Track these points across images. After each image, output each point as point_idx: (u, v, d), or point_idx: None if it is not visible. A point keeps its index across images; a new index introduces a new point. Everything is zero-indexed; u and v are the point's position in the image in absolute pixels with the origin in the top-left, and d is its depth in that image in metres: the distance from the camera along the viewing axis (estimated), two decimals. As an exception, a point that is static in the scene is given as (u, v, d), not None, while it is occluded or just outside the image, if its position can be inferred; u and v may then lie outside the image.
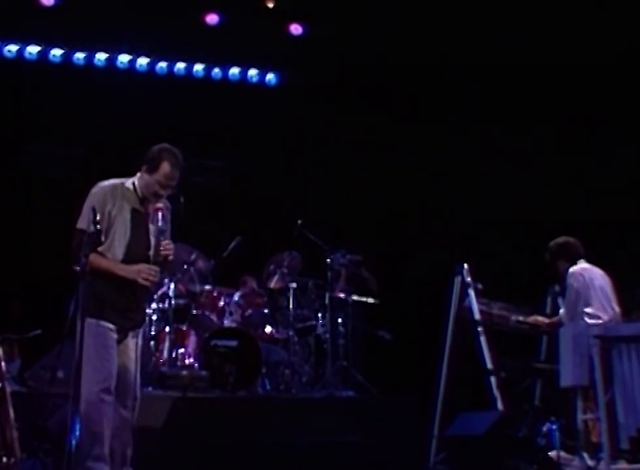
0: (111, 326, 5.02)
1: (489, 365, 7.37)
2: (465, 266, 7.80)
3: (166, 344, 7.79)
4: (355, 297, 8.73)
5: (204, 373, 7.54)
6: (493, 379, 7.32)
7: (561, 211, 9.19)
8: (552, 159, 9.79)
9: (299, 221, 8.51)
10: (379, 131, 10.06)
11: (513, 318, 7.68)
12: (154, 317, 7.84)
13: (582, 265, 7.04)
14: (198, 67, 10.38)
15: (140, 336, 5.28)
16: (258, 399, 7.73)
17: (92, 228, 4.71)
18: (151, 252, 5.13)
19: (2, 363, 5.06)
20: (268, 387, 8.08)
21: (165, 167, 5.08)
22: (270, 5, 9.80)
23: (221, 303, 8.39)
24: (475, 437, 6.53)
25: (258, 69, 10.60)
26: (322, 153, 9.93)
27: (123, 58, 10.06)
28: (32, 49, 9.77)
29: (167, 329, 7.81)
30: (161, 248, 5.09)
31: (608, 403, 5.92)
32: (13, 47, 9.72)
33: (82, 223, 4.99)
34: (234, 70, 10.53)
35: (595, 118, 9.36)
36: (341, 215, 9.80)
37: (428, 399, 7.73)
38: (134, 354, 5.17)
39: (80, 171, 9.13)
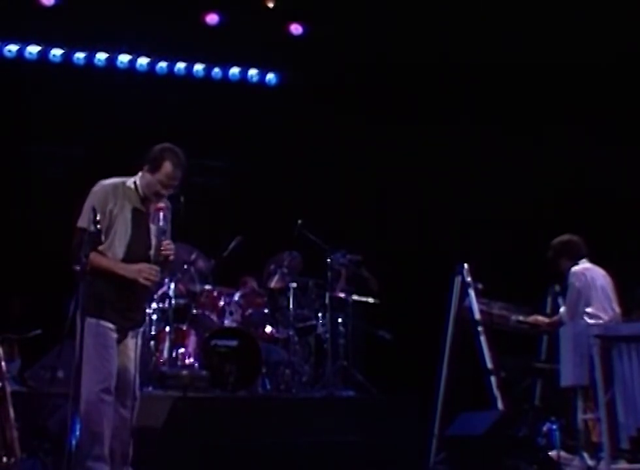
0: (111, 325, 5.02)
1: (489, 365, 7.37)
2: (466, 265, 7.80)
3: (167, 344, 7.79)
4: (355, 297, 8.73)
5: (204, 372, 7.54)
6: (493, 379, 7.32)
7: (561, 210, 9.19)
8: (552, 159, 9.79)
9: (299, 221, 8.51)
10: (379, 131, 10.06)
11: (513, 318, 7.68)
12: (154, 317, 7.84)
13: (584, 264, 7.05)
14: (198, 67, 10.38)
15: (140, 336, 5.28)
16: (258, 398, 7.73)
17: (92, 227, 4.71)
18: (152, 252, 5.13)
19: (3, 363, 5.06)
20: (268, 387, 8.08)
21: (167, 167, 5.08)
22: (270, 5, 9.80)
23: (221, 303, 8.39)
24: (475, 437, 6.53)
25: (258, 69, 10.60)
26: (322, 153, 9.93)
27: (123, 58, 10.06)
28: (33, 49, 9.77)
29: (167, 329, 7.81)
30: (162, 248, 5.08)
31: (608, 403, 5.91)
32: (13, 47, 9.72)
33: (83, 222, 4.99)
34: (234, 70, 10.53)
35: (596, 118, 9.36)
36: (341, 214, 9.80)
37: (428, 399, 7.72)
38: (134, 354, 5.17)
39: (80, 171, 9.13)
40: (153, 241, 5.16)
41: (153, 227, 5.18)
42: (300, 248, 8.75)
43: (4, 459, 4.84)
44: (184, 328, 8.08)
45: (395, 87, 9.93)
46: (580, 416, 6.40)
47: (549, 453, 6.63)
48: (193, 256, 8.37)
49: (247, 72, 10.59)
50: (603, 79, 9.30)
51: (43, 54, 9.81)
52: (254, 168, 10.14)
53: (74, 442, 4.42)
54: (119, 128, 9.60)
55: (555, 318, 7.49)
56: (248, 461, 6.54)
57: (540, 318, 7.66)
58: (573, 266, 7.06)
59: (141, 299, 5.26)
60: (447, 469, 7.05)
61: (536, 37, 9.21)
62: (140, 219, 5.14)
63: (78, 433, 4.44)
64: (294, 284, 8.49)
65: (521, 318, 7.66)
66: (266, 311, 8.55)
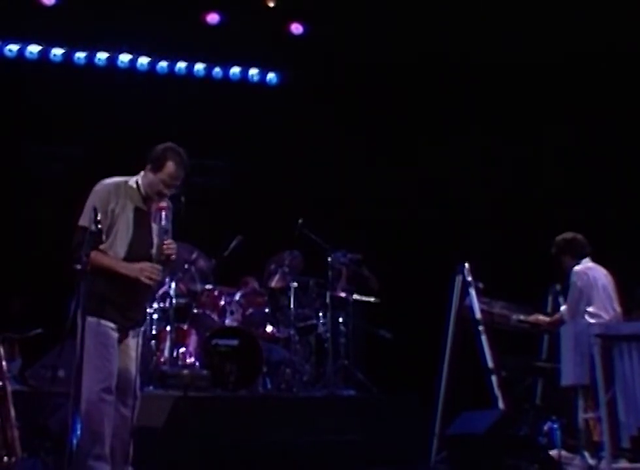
0: (112, 325, 5.02)
1: (490, 364, 7.36)
2: (466, 265, 7.80)
3: (167, 343, 7.79)
4: (356, 297, 8.73)
5: (205, 372, 7.54)
6: (494, 378, 7.31)
7: (561, 210, 9.18)
8: (553, 159, 9.79)
9: (300, 220, 8.51)
10: (380, 130, 10.06)
11: (514, 317, 7.68)
12: (155, 316, 7.84)
13: (586, 264, 7.06)
14: (199, 67, 10.38)
15: (141, 335, 5.28)
16: (259, 398, 7.73)
17: (93, 227, 4.71)
18: (154, 251, 5.13)
19: (3, 362, 5.06)
20: (269, 386, 8.09)
21: (170, 166, 5.08)
22: (271, 4, 9.80)
23: (222, 302, 8.40)
24: (476, 436, 6.53)
25: (258, 68, 10.61)
26: (322, 153, 9.92)
27: (124, 57, 10.06)
28: (33, 49, 9.78)
29: (168, 328, 7.82)
30: (164, 247, 5.08)
31: (609, 402, 5.91)
32: (14, 47, 9.72)
33: (84, 221, 4.99)
34: (235, 70, 10.53)
35: (596, 118, 9.35)
36: (341, 214, 9.80)
37: (429, 398, 7.72)
38: (135, 353, 5.17)
39: (80, 170, 9.13)
40: (155, 241, 5.15)
41: (154, 226, 5.18)
42: (300, 247, 8.75)
43: (5, 458, 4.84)
44: (185, 327, 8.08)
45: (395, 87, 9.93)
46: (581, 415, 6.40)
47: (550, 452, 6.62)
48: (194, 256, 8.37)
49: (247, 72, 10.59)
50: (602, 79, 9.30)
51: (43, 54, 9.82)
52: (254, 168, 10.14)
53: (74, 441, 4.42)
54: (119, 128, 9.61)
55: (556, 316, 7.49)
56: (249, 460, 6.54)
57: (541, 317, 7.66)
58: (575, 264, 7.07)
59: (142, 298, 5.27)
60: (448, 468, 7.04)
61: (536, 36, 9.21)
62: (142, 218, 5.14)
63: (78, 432, 4.44)
64: (295, 284, 8.49)
65: (522, 317, 7.66)
66: (266, 310, 8.55)
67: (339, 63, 9.88)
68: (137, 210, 5.13)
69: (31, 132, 9.61)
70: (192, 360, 7.93)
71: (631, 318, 7.04)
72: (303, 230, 8.53)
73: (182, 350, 7.93)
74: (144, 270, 5.01)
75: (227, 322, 8.27)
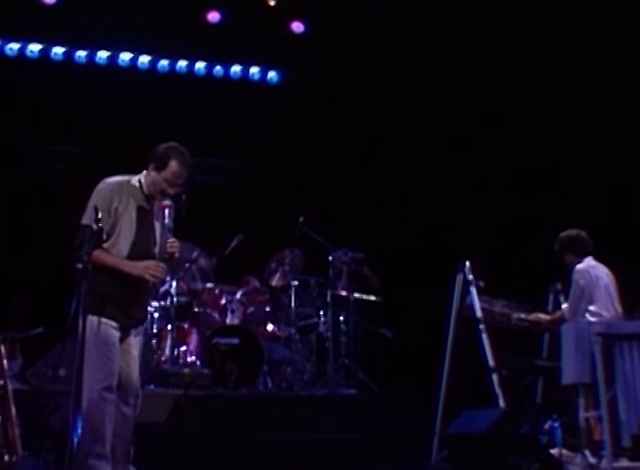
0: (113, 323, 5.02)
1: (491, 363, 7.36)
2: (467, 263, 7.80)
3: (168, 342, 7.80)
4: (357, 295, 8.73)
5: (205, 370, 7.54)
6: (495, 377, 7.30)
7: (562, 209, 9.18)
8: (553, 158, 9.78)
9: (301, 219, 8.52)
10: (381, 128, 10.06)
11: (515, 315, 7.67)
12: (156, 315, 7.85)
13: (589, 262, 7.06)
14: (200, 65, 10.37)
15: (142, 334, 5.29)
16: (260, 397, 7.73)
17: (94, 225, 4.71)
18: (157, 250, 5.15)
19: (4, 361, 5.06)
20: (269, 385, 8.09)
21: (173, 165, 5.11)
22: (272, 3, 9.79)
23: (223, 301, 8.40)
24: (477, 435, 6.52)
25: (259, 67, 10.60)
26: (323, 151, 9.92)
27: (125, 56, 10.05)
28: (34, 48, 9.77)
29: (169, 327, 7.82)
30: (167, 245, 5.10)
31: (610, 401, 5.91)
32: (14, 46, 9.71)
33: (87, 219, 4.99)
34: (236, 68, 10.52)
35: (597, 117, 9.35)
36: (342, 212, 9.80)
37: (430, 397, 7.72)
38: (136, 352, 5.18)
39: (80, 169, 9.13)
40: (158, 239, 5.17)
41: (157, 225, 5.20)
42: (301, 246, 8.76)
43: (6, 457, 4.85)
44: (186, 326, 8.09)
45: (396, 85, 9.93)
46: (582, 414, 6.39)
47: (551, 451, 6.62)
48: (195, 255, 8.37)
49: (248, 70, 10.58)
50: (602, 79, 9.29)
51: (44, 52, 9.81)
52: (255, 166, 10.14)
53: (75, 440, 4.42)
54: (119, 127, 9.60)
55: (556, 314, 7.49)
56: (249, 459, 6.54)
57: (541, 315, 7.67)
58: (577, 261, 7.08)
59: (144, 297, 5.28)
60: (449, 467, 7.04)
61: (535, 36, 9.20)
62: (145, 217, 5.16)
63: (79, 431, 4.44)
64: (296, 282, 8.49)
65: (522, 316, 7.66)
66: (267, 309, 8.56)
67: (340, 62, 9.87)
68: (140, 209, 5.14)
69: (32, 131, 9.61)
70: (193, 358, 7.94)
71: (632, 317, 7.03)
72: (304, 229, 8.53)
73: (183, 348, 7.93)
74: (148, 268, 5.02)
75: (228, 320, 8.28)
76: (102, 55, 9.97)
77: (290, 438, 6.82)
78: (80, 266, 4.58)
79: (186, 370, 7.50)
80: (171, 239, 5.12)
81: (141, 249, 5.10)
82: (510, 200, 9.71)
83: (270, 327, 8.53)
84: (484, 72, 9.66)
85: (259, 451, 6.63)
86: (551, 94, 9.61)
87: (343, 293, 8.67)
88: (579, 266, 7.04)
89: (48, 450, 5.63)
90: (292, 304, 8.41)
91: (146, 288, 5.17)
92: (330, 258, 8.58)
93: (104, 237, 4.87)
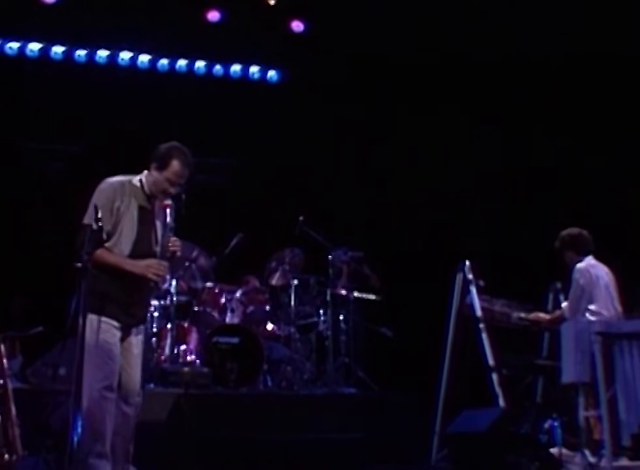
0: (115, 323, 5.03)
1: (491, 362, 7.36)
2: (467, 263, 7.80)
3: (168, 341, 7.80)
4: (357, 294, 8.73)
5: (205, 369, 7.54)
6: (495, 376, 7.32)
7: (562, 208, 9.18)
8: (553, 157, 9.77)
9: (301, 218, 8.52)
10: (381, 127, 10.06)
11: (515, 315, 7.67)
12: (156, 314, 7.85)
13: (589, 261, 7.06)
14: (200, 64, 10.36)
15: (143, 333, 5.30)
16: (259, 396, 7.73)
17: (94, 225, 4.73)
18: (158, 249, 5.17)
19: (4, 360, 5.06)
20: (269, 384, 8.09)
21: (175, 165, 5.13)
22: (272, 2, 9.78)
23: (223, 300, 8.40)
24: (477, 434, 6.53)
25: (259, 66, 10.59)
26: (324, 150, 9.92)
27: (125, 55, 10.04)
28: (34, 47, 9.76)
29: (169, 326, 7.82)
30: (169, 244, 5.13)
31: (610, 400, 5.91)
32: (14, 45, 9.71)
33: (88, 219, 4.99)
34: (236, 67, 10.51)
35: (597, 116, 9.34)
36: (343, 211, 9.79)
37: (430, 396, 7.73)
38: (137, 351, 5.19)
39: (80, 169, 9.13)
40: (160, 238, 5.20)
41: (158, 224, 5.22)
42: (301, 245, 8.76)
43: (6, 456, 4.84)
44: (186, 325, 8.09)
45: (397, 83, 9.92)
46: (582, 413, 6.39)
47: (551, 450, 6.62)
48: (195, 254, 8.38)
49: (248, 69, 10.58)
50: (601, 78, 9.29)
51: (44, 51, 9.80)
52: (255, 165, 10.14)
53: (75, 439, 4.43)
54: (119, 126, 9.59)
55: (556, 313, 7.48)
56: (249, 458, 6.55)
57: (541, 315, 7.66)
58: (578, 260, 7.07)
59: (145, 295, 5.30)
60: (449, 466, 7.04)
61: (535, 37, 9.20)
62: (146, 217, 5.18)
63: (79, 430, 4.44)
64: (296, 281, 8.49)
65: (522, 315, 7.66)
66: (267, 308, 8.56)
67: (340, 61, 9.87)
68: (141, 208, 5.16)
69: (32, 130, 9.60)
70: (193, 357, 7.94)
71: (632, 317, 7.03)
72: (304, 228, 8.54)
73: (183, 347, 7.93)
74: (150, 267, 5.06)
75: (228, 319, 8.28)
76: (102, 54, 9.96)
77: (290, 438, 6.82)
78: (79, 265, 4.59)
79: (186, 369, 7.50)
80: (173, 238, 5.16)
81: (142, 248, 5.12)
82: (510, 199, 9.71)
83: (269, 326, 8.53)
84: (485, 72, 9.66)
85: (259, 450, 6.63)
86: (551, 94, 9.61)
87: (343, 292, 8.67)
88: (579, 265, 7.04)
89: (48, 450, 5.64)
90: (292, 303, 8.41)
91: (148, 286, 5.20)
92: (330, 257, 8.58)
93: (104, 236, 4.87)
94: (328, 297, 8.47)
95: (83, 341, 4.54)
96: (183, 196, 5.43)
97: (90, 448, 4.85)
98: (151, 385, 7.29)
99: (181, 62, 10.29)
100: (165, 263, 5.13)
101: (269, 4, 9.80)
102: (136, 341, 5.19)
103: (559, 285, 7.99)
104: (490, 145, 9.75)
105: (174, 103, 9.81)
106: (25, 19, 9.53)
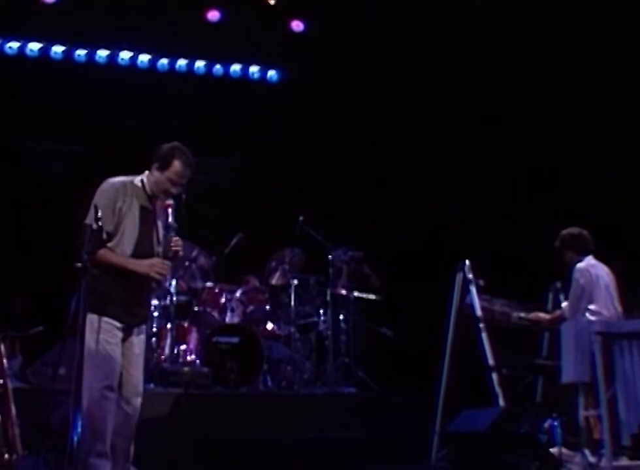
0: (117, 324, 5.04)
1: (491, 362, 7.36)
2: (467, 262, 7.80)
3: (168, 340, 7.80)
4: (357, 294, 8.73)
5: (205, 369, 7.54)
6: (495, 376, 7.32)
7: (562, 208, 9.18)
8: (553, 157, 9.78)
9: (301, 218, 8.52)
10: (382, 127, 10.06)
11: (515, 314, 7.68)
12: (156, 314, 7.85)
13: (589, 261, 7.06)
14: (200, 64, 10.36)
15: (144, 332, 5.31)
16: (259, 395, 7.73)
17: (94, 225, 4.74)
18: (160, 249, 5.21)
19: (4, 360, 5.06)
20: (269, 384, 8.09)
21: (177, 165, 5.16)
22: (272, 2, 9.78)
23: (223, 299, 8.40)
24: (477, 434, 6.53)
25: (259, 66, 10.59)
26: (324, 150, 9.92)
27: (124, 55, 10.05)
28: (34, 46, 9.76)
29: (169, 326, 7.82)
30: (172, 244, 5.17)
31: (609, 400, 5.91)
32: (14, 44, 9.71)
33: (90, 219, 5.00)
34: (236, 67, 10.52)
35: (597, 116, 9.34)
36: (343, 211, 9.79)
37: (430, 396, 7.73)
38: (139, 350, 5.21)
39: (80, 168, 9.13)
40: (162, 238, 5.23)
41: (160, 224, 5.25)
42: (301, 244, 8.76)
43: (6, 456, 4.84)
44: (185, 324, 8.09)
45: (397, 83, 9.92)
46: (582, 413, 6.39)
47: (551, 450, 6.62)
48: (195, 253, 8.38)
49: (248, 69, 10.58)
50: (603, 78, 9.29)
51: (44, 51, 9.80)
52: (255, 165, 10.13)
53: (75, 439, 4.43)
54: (119, 126, 9.59)
55: (556, 313, 7.49)
56: (249, 458, 6.54)
57: (541, 314, 7.67)
58: (578, 260, 7.08)
59: (147, 295, 5.34)
60: (449, 466, 7.04)
61: (536, 37, 9.21)
62: (147, 217, 5.20)
63: (79, 429, 4.45)
64: (296, 281, 8.49)
65: (522, 315, 7.67)
66: (267, 307, 8.55)
67: (340, 61, 9.87)
68: (142, 209, 5.19)
69: (32, 130, 9.60)
70: (193, 357, 7.94)
71: (632, 317, 7.04)
72: (304, 228, 8.54)
73: (183, 347, 7.93)
74: (154, 266, 5.09)
75: (228, 319, 8.28)
76: (102, 54, 9.97)
77: (290, 437, 6.82)
78: (79, 264, 4.59)
79: (186, 369, 7.50)
80: (175, 238, 5.19)
81: (144, 248, 5.15)
82: (510, 199, 9.70)
83: (269, 326, 8.53)
84: (485, 72, 9.66)
85: (259, 450, 6.63)
86: (551, 94, 9.61)
87: (343, 292, 8.67)
88: (579, 265, 7.04)
89: (47, 449, 5.64)
90: (292, 303, 8.41)
91: (150, 286, 5.24)
92: (330, 257, 8.58)
93: (104, 236, 4.88)
94: (328, 297, 8.47)
95: (83, 341, 4.54)
96: (183, 195, 5.44)
97: (90, 447, 4.86)
98: (151, 385, 7.29)
99: (181, 62, 10.29)
100: (168, 262, 5.17)
101: (269, 4, 9.80)
102: (138, 340, 5.20)
103: (559, 285, 7.99)
104: (490, 145, 9.74)
105: (174, 103, 9.81)
106: (25, 19, 9.53)
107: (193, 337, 8.07)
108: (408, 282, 9.34)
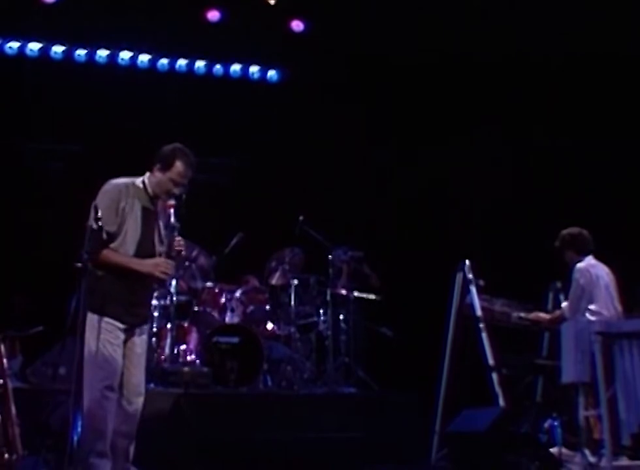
0: (119, 325, 5.05)
1: (491, 362, 7.37)
2: (467, 262, 7.80)
3: (168, 340, 7.80)
4: (357, 294, 8.73)
5: (205, 369, 7.54)
6: (495, 375, 7.32)
7: (562, 208, 9.18)
8: (553, 157, 9.77)
9: (300, 217, 8.53)
10: (381, 127, 10.05)
11: (515, 314, 7.68)
12: (156, 314, 7.84)
13: (589, 261, 7.06)
14: (200, 64, 10.36)
15: (146, 332, 5.32)
16: (259, 395, 7.73)
17: (94, 225, 4.75)
18: (164, 248, 5.24)
19: (4, 360, 5.06)
20: (269, 384, 8.09)
21: (179, 166, 5.19)
22: (272, 2, 9.78)
23: (223, 299, 8.40)
24: (477, 434, 6.53)
25: (259, 66, 10.59)
26: (324, 150, 9.92)
27: (125, 55, 10.04)
28: (34, 46, 9.76)
29: (169, 325, 7.82)
30: (175, 243, 5.20)
31: (610, 400, 5.91)
32: (14, 44, 9.70)
33: (92, 220, 5.02)
34: (236, 67, 10.52)
35: (597, 117, 9.34)
36: (343, 211, 9.79)
37: (430, 396, 7.73)
38: (140, 350, 5.22)
39: (80, 168, 9.13)
40: (164, 238, 5.27)
41: (161, 225, 5.28)
42: (301, 244, 8.76)
43: (6, 456, 4.84)
44: (185, 324, 8.09)
45: (397, 84, 9.92)
46: (582, 412, 6.39)
47: (551, 450, 6.63)
48: (195, 253, 8.38)
49: (248, 69, 10.58)
50: (603, 78, 9.29)
51: (44, 51, 9.80)
52: (255, 165, 10.13)
53: (75, 438, 4.43)
54: (120, 126, 9.59)
55: (556, 313, 7.49)
56: (249, 457, 6.55)
57: (541, 314, 7.67)
58: (578, 260, 7.08)
59: (148, 295, 5.38)
60: (449, 466, 7.04)
61: (535, 37, 9.20)
62: (149, 217, 5.23)
63: (80, 429, 4.45)
64: (296, 281, 8.49)
65: (522, 314, 7.67)
66: (267, 307, 8.55)
67: (340, 61, 9.87)
68: (144, 209, 5.22)
69: (32, 130, 9.60)
70: (193, 357, 7.94)
71: (632, 317, 7.03)
72: (304, 227, 8.54)
73: (183, 347, 7.94)
74: (158, 265, 5.13)
75: (228, 319, 8.28)
76: (102, 53, 9.97)
77: (290, 437, 6.82)
78: (79, 264, 4.60)
79: (186, 369, 7.50)
80: (177, 238, 5.22)
81: (146, 248, 5.18)
82: (510, 199, 9.69)
83: (269, 326, 8.53)
84: (485, 72, 9.65)
85: (259, 450, 6.63)
86: (551, 94, 9.60)
87: (343, 292, 8.67)
88: (579, 265, 7.04)
89: (48, 449, 5.64)
90: (292, 303, 8.41)
91: (152, 286, 5.28)
92: (330, 256, 8.58)
93: (104, 236, 4.89)
94: (328, 297, 8.47)
95: (83, 341, 4.55)
96: (184, 195, 5.45)
97: (91, 447, 4.87)
98: (151, 385, 7.28)
99: (181, 62, 10.29)
100: (172, 262, 5.21)
101: (269, 4, 9.80)
102: (140, 340, 5.22)
103: (559, 285, 7.99)
104: (490, 145, 9.74)
105: (174, 103, 9.82)
106: (25, 19, 9.53)
107: (193, 337, 8.07)
108: (408, 282, 9.34)
